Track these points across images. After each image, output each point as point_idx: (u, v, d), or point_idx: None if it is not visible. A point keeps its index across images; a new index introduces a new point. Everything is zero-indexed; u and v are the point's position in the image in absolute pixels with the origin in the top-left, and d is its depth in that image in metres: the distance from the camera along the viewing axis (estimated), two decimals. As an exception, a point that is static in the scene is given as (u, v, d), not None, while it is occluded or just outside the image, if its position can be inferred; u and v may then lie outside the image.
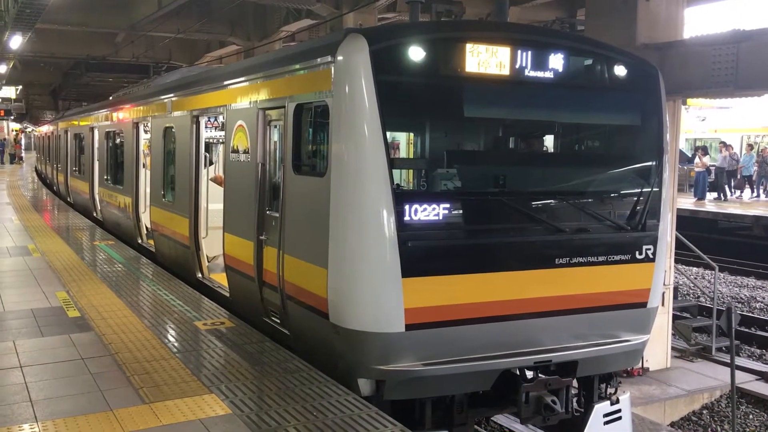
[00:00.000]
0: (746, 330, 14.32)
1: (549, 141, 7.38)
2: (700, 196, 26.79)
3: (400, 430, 4.78)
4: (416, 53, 5.86)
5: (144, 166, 13.13)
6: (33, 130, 57.80)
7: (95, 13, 24.17)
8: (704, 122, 37.36)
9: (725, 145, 28.91)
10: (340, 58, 5.89)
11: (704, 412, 10.97)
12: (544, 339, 6.43)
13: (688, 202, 25.46)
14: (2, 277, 9.42)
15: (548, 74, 6.43)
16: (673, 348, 12.31)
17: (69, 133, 21.47)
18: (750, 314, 15.73)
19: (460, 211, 6.15)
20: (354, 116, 5.76)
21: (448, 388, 6.17)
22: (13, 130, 64.42)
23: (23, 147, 56.47)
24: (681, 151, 24.94)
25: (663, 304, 10.18)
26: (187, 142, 9.86)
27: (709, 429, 10.59)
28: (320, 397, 5.32)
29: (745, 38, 9.34)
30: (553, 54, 6.44)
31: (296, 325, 6.75)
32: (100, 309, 7.77)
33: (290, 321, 6.83)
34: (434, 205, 5.85)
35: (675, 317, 12.94)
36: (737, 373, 10.32)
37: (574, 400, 7.07)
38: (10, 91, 53.69)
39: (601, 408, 6.88)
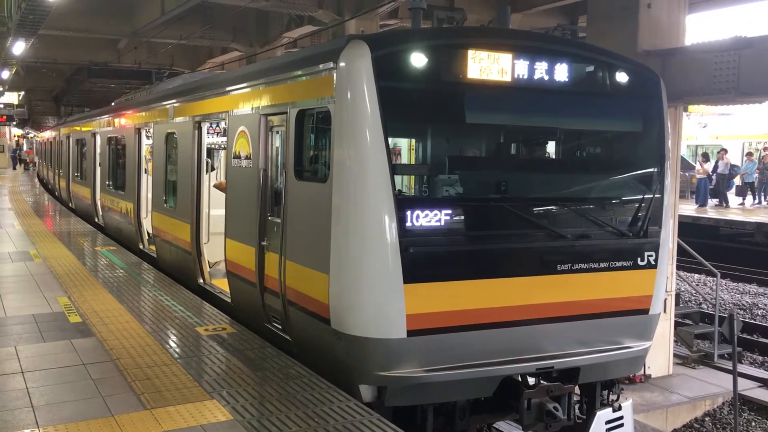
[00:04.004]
0: (748, 337, 14.28)
1: (551, 147, 7.38)
2: (702, 203, 26.78)
3: (402, 437, 4.78)
4: (418, 60, 5.88)
5: (146, 172, 13.14)
6: (35, 135, 57.89)
7: (98, 19, 24.24)
8: (705, 129, 37.35)
9: (726, 151, 28.97)
10: (342, 64, 5.91)
11: (706, 419, 10.94)
12: (546, 345, 6.42)
13: (689, 208, 25.45)
14: (4, 283, 9.43)
15: (550, 81, 6.44)
16: (675, 355, 12.27)
17: (71, 139, 21.51)
18: (752, 321, 15.70)
19: (462, 218, 6.15)
20: (356, 122, 5.77)
21: (449, 394, 6.15)
22: (15, 136, 64.56)
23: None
24: (682, 158, 24.95)
25: (665, 311, 10.18)
26: (189, 148, 9.87)
27: (712, 436, 10.55)
28: (322, 403, 5.31)
29: (746, 45, 9.35)
30: (554, 61, 6.44)
31: (298, 330, 6.74)
32: (101, 314, 7.77)
33: (292, 327, 6.83)
34: (436, 211, 5.85)
35: (677, 324, 12.92)
36: (739, 380, 10.29)
37: (576, 406, 7.06)
38: (12, 97, 53.81)
39: (603, 415, 6.85)
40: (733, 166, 28.12)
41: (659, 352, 11.36)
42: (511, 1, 15.92)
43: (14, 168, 54.50)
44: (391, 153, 5.81)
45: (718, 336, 12.63)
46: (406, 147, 8.08)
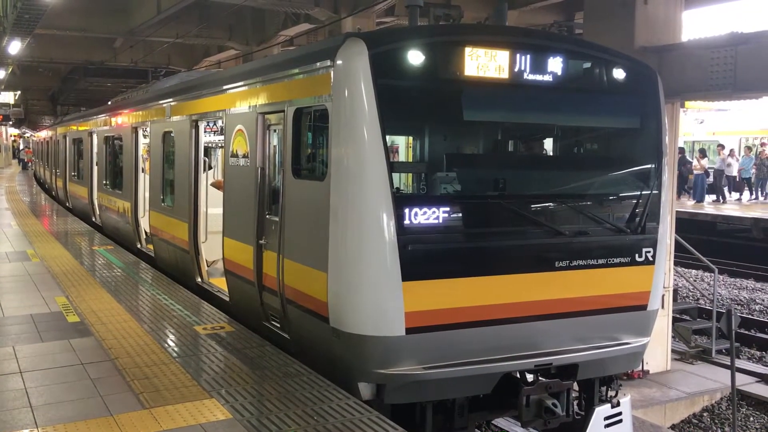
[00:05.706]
0: (746, 332, 14.32)
1: (548, 144, 7.39)
2: (699, 199, 26.83)
3: (401, 434, 4.78)
4: (415, 57, 5.87)
5: (143, 171, 13.12)
6: (31, 135, 57.94)
7: (94, 19, 24.19)
8: (702, 125, 37.37)
9: (722, 147, 29.00)
10: (339, 62, 5.90)
11: (704, 414, 10.97)
12: (544, 342, 6.42)
13: (686, 204, 25.48)
14: (1, 283, 9.41)
15: (547, 77, 6.44)
16: (673, 350, 12.30)
17: (67, 138, 21.47)
18: (749, 316, 15.73)
19: (460, 215, 6.15)
20: (353, 120, 5.76)
21: (448, 391, 6.16)
22: (11, 136, 64.56)
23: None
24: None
25: (663, 307, 10.18)
26: (186, 147, 9.86)
27: (710, 431, 10.58)
28: (321, 401, 5.31)
29: (743, 41, 9.36)
30: (551, 57, 6.44)
31: (296, 329, 6.74)
32: (99, 314, 7.76)
33: (290, 325, 6.83)
34: (434, 209, 5.85)
35: (675, 320, 12.95)
36: (737, 375, 10.32)
37: (575, 403, 7.07)
38: (8, 97, 53.73)
39: (602, 411, 6.86)
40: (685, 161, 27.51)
41: (657, 348, 11.39)
42: (507, -2, 15.90)
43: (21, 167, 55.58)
44: (389, 151, 5.80)
45: (715, 331, 12.67)
46: (403, 145, 8.08)
